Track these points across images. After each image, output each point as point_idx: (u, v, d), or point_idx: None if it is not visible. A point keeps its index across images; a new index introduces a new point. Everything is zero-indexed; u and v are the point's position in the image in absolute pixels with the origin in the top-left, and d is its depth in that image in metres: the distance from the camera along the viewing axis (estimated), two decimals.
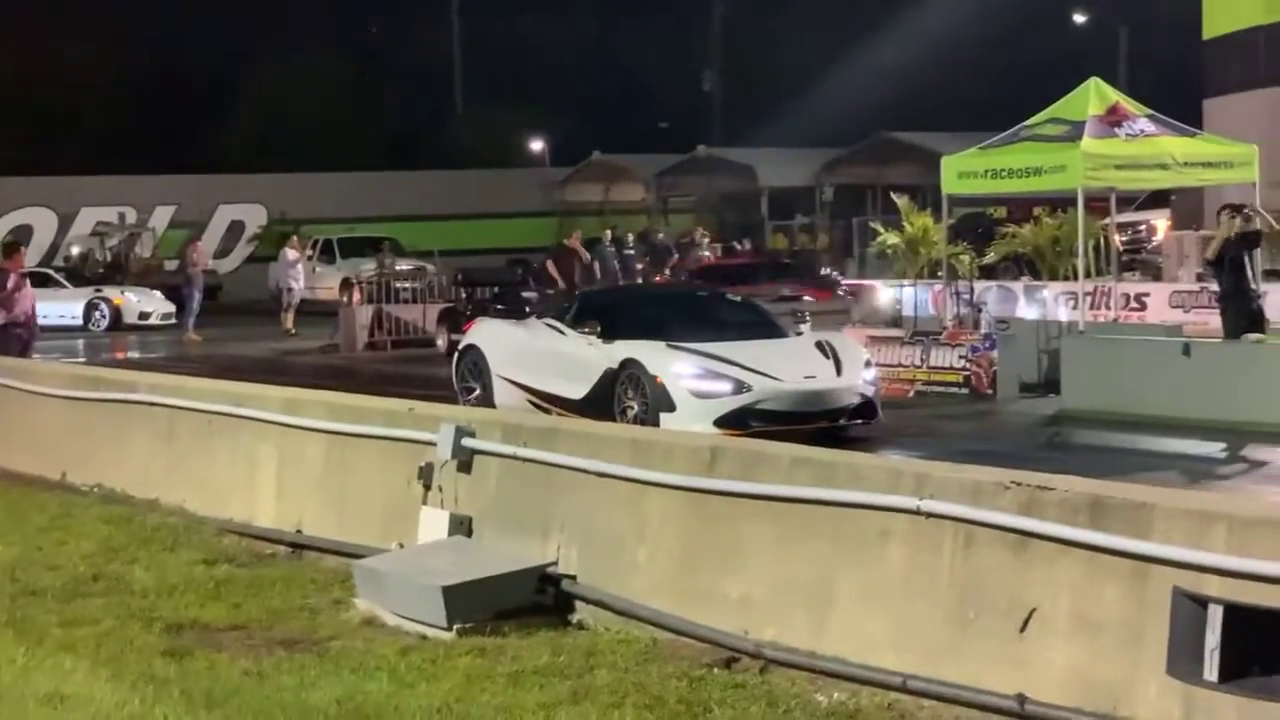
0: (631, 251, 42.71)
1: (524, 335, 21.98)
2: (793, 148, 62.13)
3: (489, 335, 22.61)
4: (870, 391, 20.08)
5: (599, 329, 20.52)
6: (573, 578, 10.98)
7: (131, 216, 59.56)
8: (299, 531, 13.56)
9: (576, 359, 20.49)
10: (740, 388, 19.32)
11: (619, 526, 10.88)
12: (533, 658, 9.85)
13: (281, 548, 13.51)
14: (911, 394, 24.64)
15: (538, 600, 10.90)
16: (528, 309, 33.86)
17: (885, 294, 32.86)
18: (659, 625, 10.24)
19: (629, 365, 19.75)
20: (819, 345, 20.50)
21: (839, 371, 19.91)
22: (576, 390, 20.29)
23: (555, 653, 9.94)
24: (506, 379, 21.48)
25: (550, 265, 38.17)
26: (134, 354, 37.63)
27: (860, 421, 19.93)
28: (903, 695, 8.75)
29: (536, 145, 77.07)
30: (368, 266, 42.82)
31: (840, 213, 60.26)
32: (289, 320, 41.64)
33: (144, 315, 46.17)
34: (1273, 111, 46.43)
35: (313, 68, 73.55)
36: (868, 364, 20.52)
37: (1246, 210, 23.22)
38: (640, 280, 41.96)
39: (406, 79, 76.26)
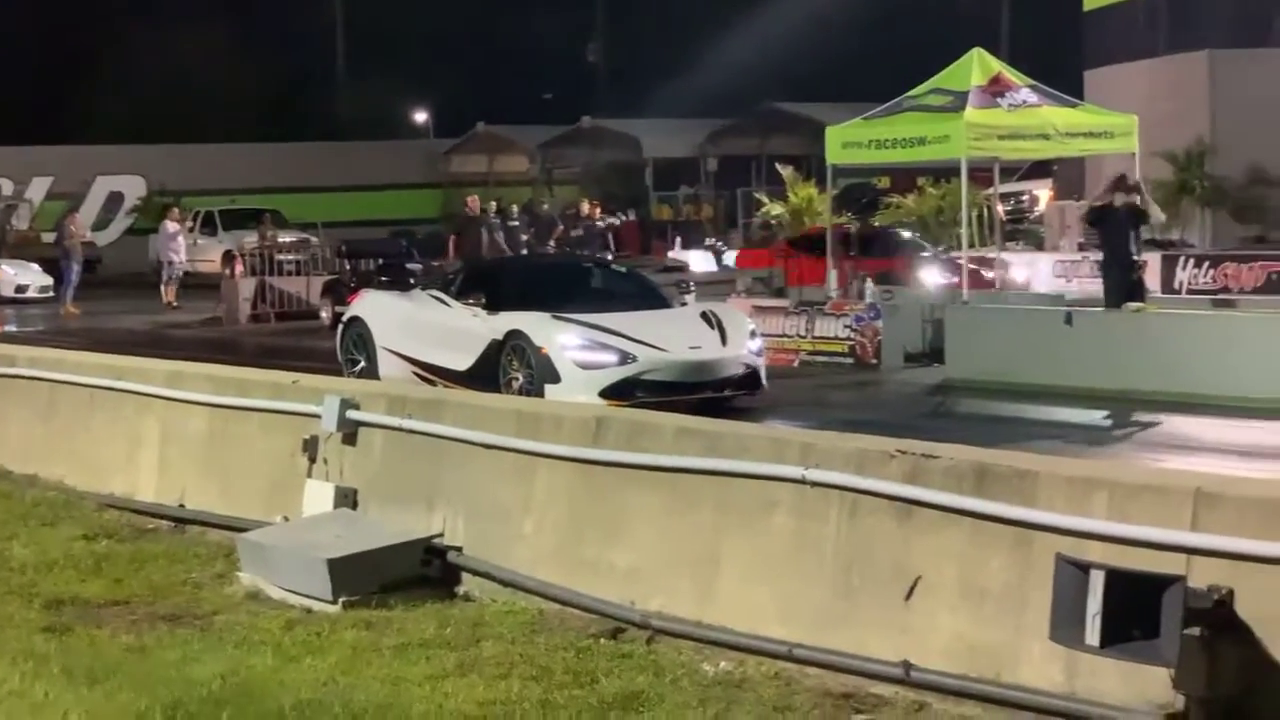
0: (516, 223, 42.55)
1: (409, 307, 21.87)
2: (678, 118, 62.11)
3: (373, 307, 22.46)
4: (756, 362, 20.07)
5: (484, 300, 20.43)
6: (459, 549, 10.95)
7: (7, 188, 58.82)
8: (181, 506, 13.45)
9: (461, 330, 20.38)
10: (625, 358, 19.29)
11: (505, 498, 10.85)
12: (419, 630, 9.82)
13: (164, 522, 13.39)
14: (796, 364, 24.72)
15: (424, 573, 10.85)
16: (413, 280, 33.83)
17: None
18: (546, 596, 10.23)
19: (514, 336, 19.66)
20: (704, 316, 20.50)
21: (724, 342, 19.89)
22: (461, 362, 20.19)
23: (441, 625, 9.91)
24: (391, 351, 21.34)
25: (452, 241, 37.87)
26: (11, 328, 37.11)
27: (745, 392, 19.92)
28: (789, 664, 8.78)
29: (420, 116, 76.72)
30: (250, 239, 42.45)
31: (725, 183, 60.40)
32: (171, 293, 41.27)
33: (21, 289, 45.55)
34: (1151, 82, 46.85)
35: (192, 36, 72.77)
36: (753, 334, 20.49)
37: (1136, 188, 23.44)
38: (526, 251, 41.88)
39: (288, 49, 75.65)
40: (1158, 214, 24.53)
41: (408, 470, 11.64)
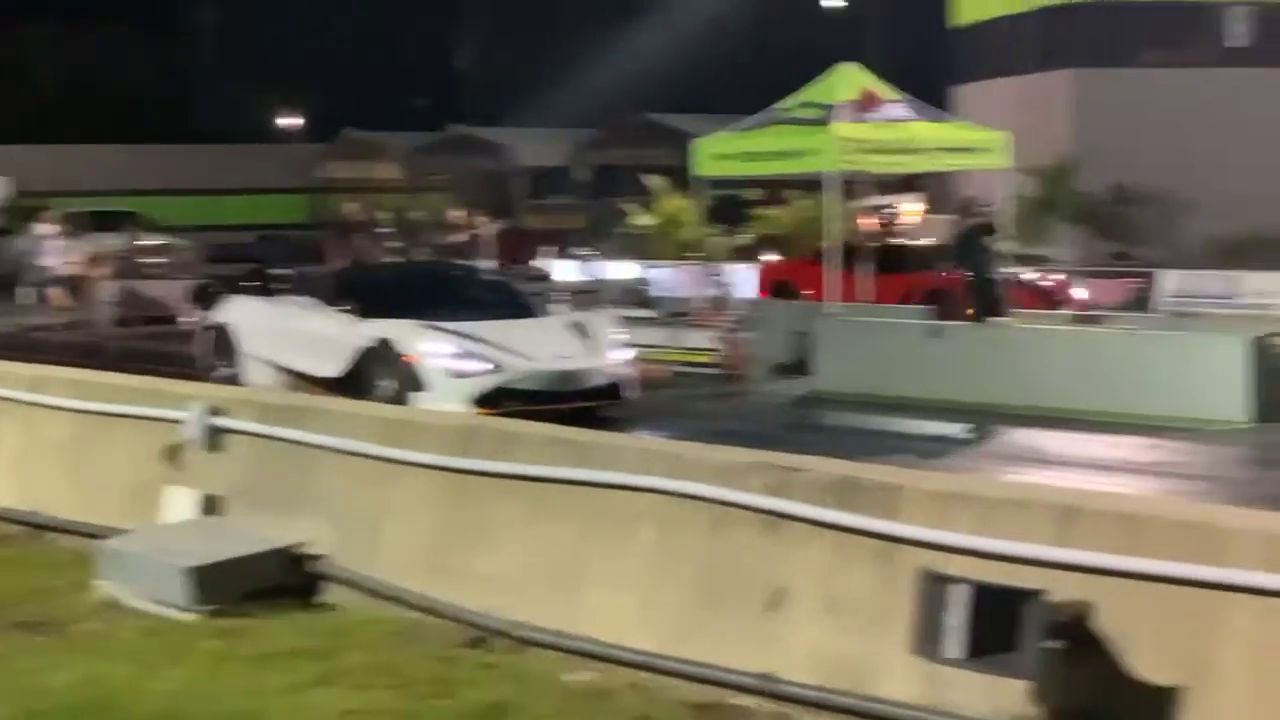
0: (387, 230, 42.41)
1: (276, 313, 21.75)
2: (550, 128, 62.14)
3: (240, 312, 22.34)
4: (624, 372, 20.15)
5: (354, 307, 20.36)
6: (323, 558, 10.86)
7: None
8: (36, 512, 13.24)
9: (330, 337, 20.26)
10: (494, 367, 19.31)
11: (371, 506, 10.79)
12: (280, 639, 9.73)
13: (20, 528, 13.19)
14: (664, 375, 24.77)
15: (287, 581, 10.75)
16: (281, 286, 33.59)
17: None
18: (410, 605, 10.16)
19: (383, 344, 19.60)
20: (574, 325, 20.58)
21: (593, 351, 19.98)
22: (330, 369, 20.07)
23: (304, 634, 9.83)
24: (258, 357, 21.23)
25: (330, 246, 37.61)
26: None
27: (614, 402, 19.96)
28: (652, 674, 8.77)
29: (291, 121, 76.26)
30: (115, 242, 41.92)
31: (597, 193, 60.42)
32: (60, 298, 40.16)
33: None
34: (1019, 98, 47.43)
35: (51, 36, 71.95)
36: (621, 344, 20.57)
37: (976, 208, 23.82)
38: (396, 259, 41.71)
39: (157, 51, 75.01)
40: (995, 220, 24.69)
41: (272, 477, 11.54)
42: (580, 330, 20.36)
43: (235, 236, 49.29)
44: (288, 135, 74.57)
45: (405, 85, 75.83)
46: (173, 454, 12.12)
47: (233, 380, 20.92)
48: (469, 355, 19.35)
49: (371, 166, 65.42)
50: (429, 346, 19.39)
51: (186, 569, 10.44)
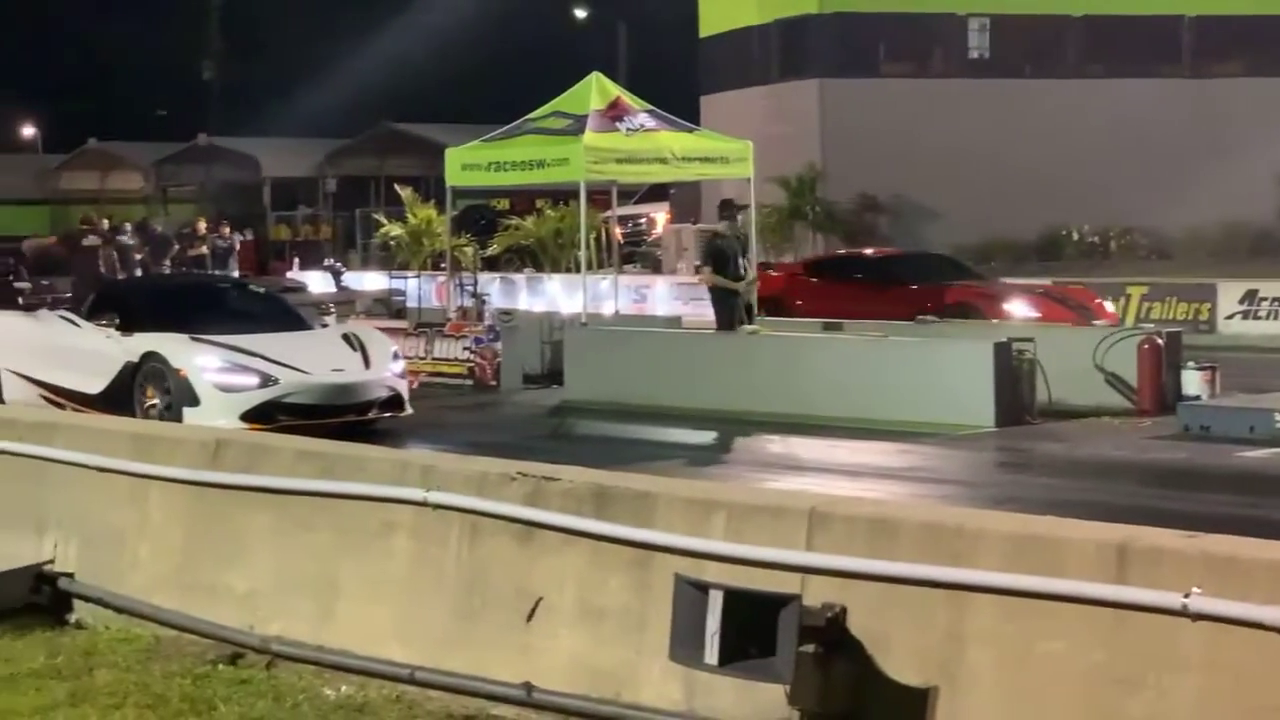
0: (131, 242, 41.71)
1: (35, 328, 21.12)
2: (296, 137, 61.62)
3: None
4: (399, 384, 19.87)
5: (117, 321, 19.77)
6: (70, 576, 10.67)
7: None
8: None
9: (93, 352, 19.68)
10: (266, 381, 18.86)
11: (119, 522, 10.61)
12: (28, 659, 9.55)
13: None
14: (416, 385, 24.64)
15: (33, 600, 10.55)
16: (20, 300, 32.94)
17: None
18: (162, 622, 10.02)
19: (150, 358, 19.08)
20: (345, 338, 20.24)
21: (367, 364, 19.67)
22: (94, 385, 19.49)
23: (52, 654, 9.65)
24: (16, 373, 20.44)
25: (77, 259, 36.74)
26: None
27: (390, 414, 19.67)
28: (411, 687, 8.74)
29: (28, 131, 74.75)
30: None
31: (344, 203, 60.08)
32: None
33: None
34: (765, 108, 48.01)
35: None
36: (395, 356, 20.34)
37: (736, 212, 23.94)
38: (140, 272, 41.06)
39: None
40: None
41: (15, 494, 11.29)
42: (354, 343, 20.02)
43: None
44: (28, 145, 73.08)
45: (150, 95, 74.72)
46: None
47: None
48: (238, 369, 18.89)
49: (115, 177, 64.38)
50: (200, 360, 18.91)
51: None
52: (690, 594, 7.34)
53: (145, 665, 9.41)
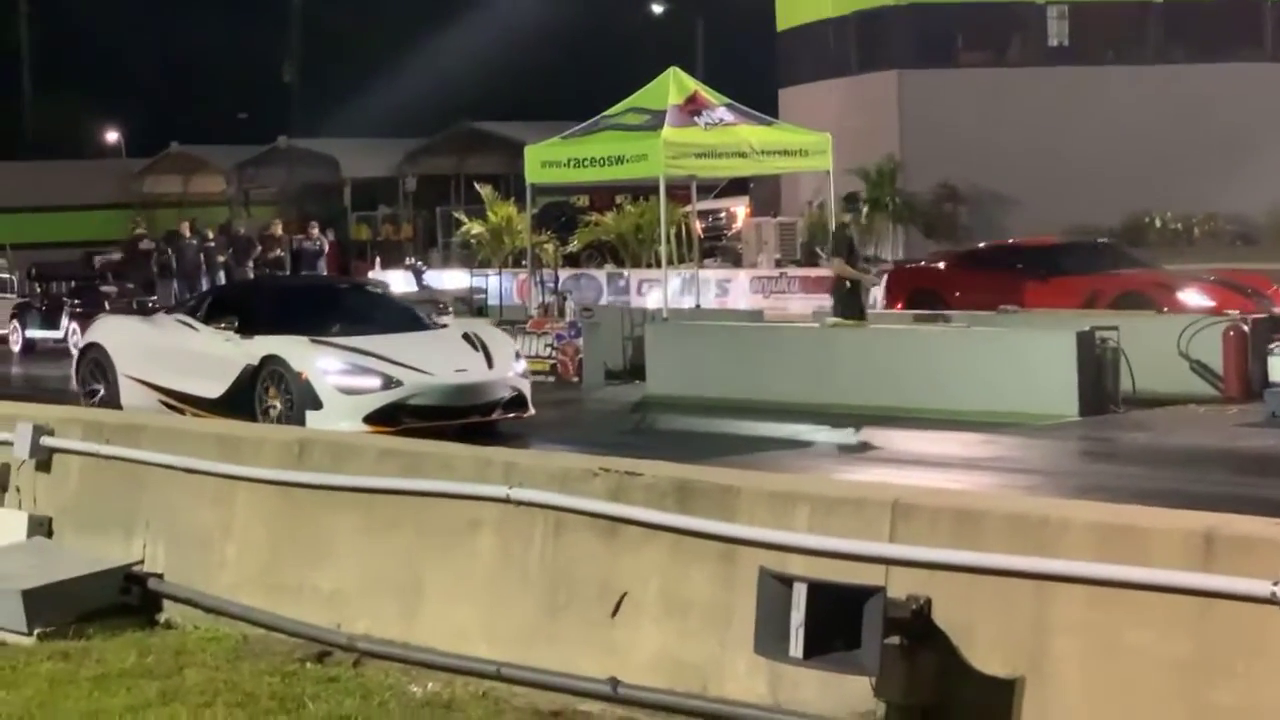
0: (213, 244, 42.03)
1: (152, 332, 20.77)
2: (375, 138, 61.80)
3: (113, 332, 21.27)
4: (523, 384, 19.46)
5: (236, 324, 19.42)
6: (159, 576, 10.75)
7: None
8: None
9: (212, 356, 19.38)
10: (389, 383, 18.53)
11: (206, 522, 10.69)
12: (119, 660, 9.62)
13: None
14: None
15: (123, 601, 10.63)
16: (107, 305, 33.20)
17: None
18: (250, 621, 10.09)
19: (270, 362, 18.76)
20: (466, 337, 19.82)
21: (490, 364, 19.26)
22: (213, 389, 19.22)
23: (142, 653, 9.73)
24: (134, 378, 20.19)
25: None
26: None
27: (514, 415, 19.28)
28: (498, 683, 8.76)
29: (112, 135, 75.29)
30: None
31: (423, 202, 60.23)
32: None
33: None
34: (843, 100, 47.85)
35: None
36: (517, 356, 20.03)
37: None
38: (223, 273, 41.33)
39: None
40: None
41: (105, 496, 11.40)
42: (475, 343, 19.62)
43: (61, 254, 48.63)
44: (112, 150, 73.59)
45: (231, 98, 75.14)
46: (2, 476, 11.93)
47: (108, 403, 20.01)
48: (362, 370, 18.59)
49: (197, 180, 64.76)
50: (321, 363, 18.61)
51: (20, 591, 10.28)
52: (774, 587, 7.34)
53: (234, 664, 9.48)
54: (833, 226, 24.76)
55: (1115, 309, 23.84)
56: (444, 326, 20.94)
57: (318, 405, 18.38)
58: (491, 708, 8.58)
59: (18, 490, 11.87)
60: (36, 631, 10.20)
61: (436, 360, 19.06)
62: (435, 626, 9.27)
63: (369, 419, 18.21)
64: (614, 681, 8.29)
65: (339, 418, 18.09)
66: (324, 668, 9.35)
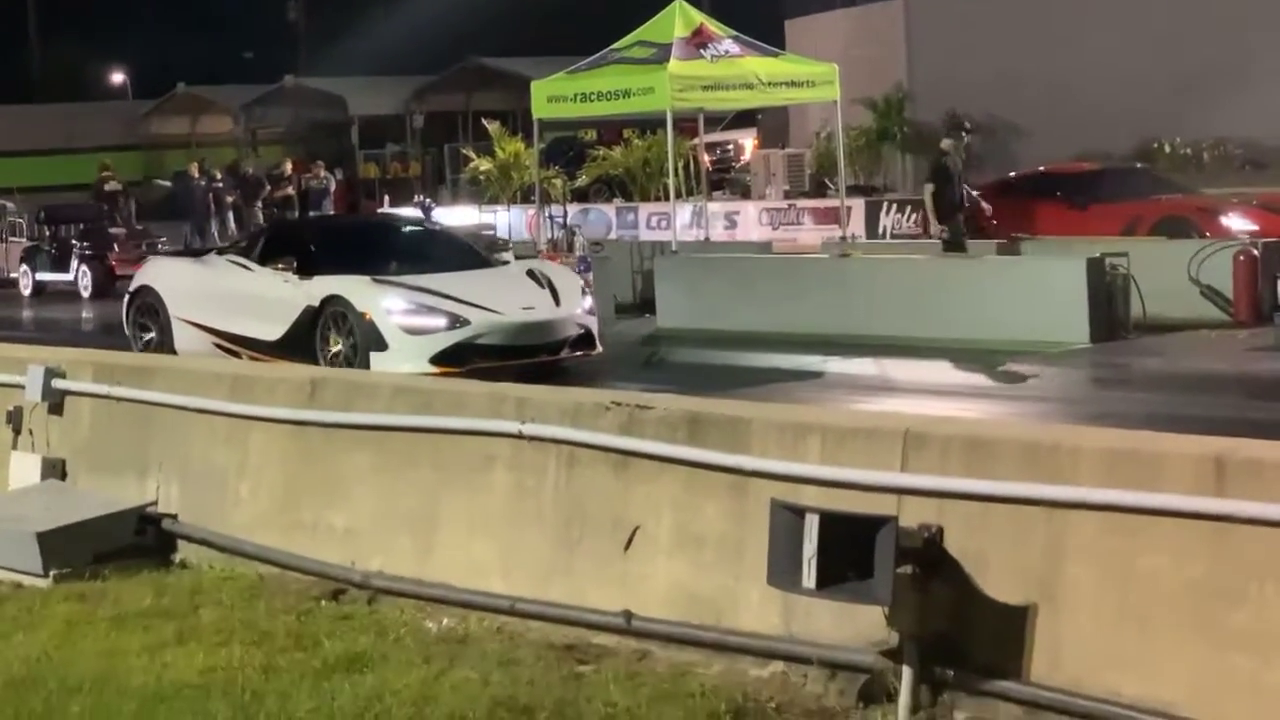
0: (221, 184, 42.00)
1: (206, 273, 20.07)
2: (382, 75, 61.70)
3: (164, 274, 20.72)
4: (590, 321, 18.82)
5: (294, 264, 18.75)
6: (174, 517, 10.79)
7: None
8: None
9: (270, 298, 18.75)
10: (456, 322, 17.85)
11: (220, 463, 10.72)
12: (135, 600, 9.66)
13: None
14: None
15: (138, 541, 10.68)
16: (115, 246, 33.19)
17: None
18: (264, 560, 10.13)
19: (332, 302, 18.09)
20: (531, 274, 19.15)
21: (557, 301, 18.60)
22: (272, 331, 18.64)
23: (158, 594, 9.77)
24: (188, 321, 19.66)
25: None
26: None
27: (582, 353, 18.62)
28: (512, 618, 8.80)
29: (118, 77, 75.15)
30: None
31: (431, 140, 60.16)
32: None
33: None
34: (850, 30, 47.67)
35: None
36: (584, 292, 19.37)
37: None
38: (232, 213, 41.30)
39: None
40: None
41: (118, 438, 11.43)
42: (541, 279, 18.95)
43: (69, 196, 48.57)
44: (118, 92, 73.48)
45: (236, 38, 74.98)
46: (14, 419, 11.96)
47: (161, 347, 19.64)
48: (426, 310, 17.93)
49: (204, 121, 64.73)
50: (386, 302, 17.94)
51: (35, 534, 10.33)
52: (786, 518, 7.34)
53: (250, 603, 9.51)
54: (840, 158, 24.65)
55: (1156, 234, 23.64)
56: (506, 264, 20.46)
57: (383, 346, 17.71)
58: (507, 643, 8.61)
59: (30, 433, 11.89)
60: (52, 573, 10.25)
61: (503, 298, 18.36)
62: (449, 563, 9.30)
63: (436, 359, 17.60)
64: (628, 614, 8.31)
65: (405, 359, 17.45)
66: (339, 605, 9.39)
